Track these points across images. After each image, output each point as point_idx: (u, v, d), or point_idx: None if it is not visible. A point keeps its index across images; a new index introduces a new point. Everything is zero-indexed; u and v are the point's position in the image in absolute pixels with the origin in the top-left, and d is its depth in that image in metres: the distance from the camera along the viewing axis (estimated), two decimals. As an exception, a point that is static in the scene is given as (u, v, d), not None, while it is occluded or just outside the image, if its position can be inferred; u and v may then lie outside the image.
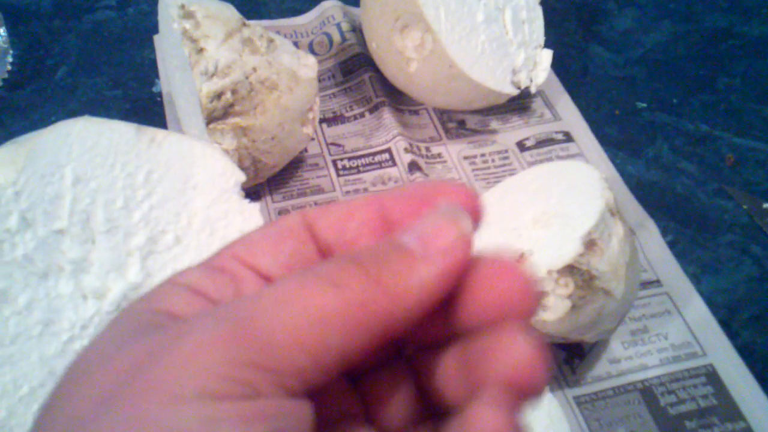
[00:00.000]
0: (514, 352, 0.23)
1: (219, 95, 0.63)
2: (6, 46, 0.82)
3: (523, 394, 0.23)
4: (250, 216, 0.53)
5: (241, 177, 0.54)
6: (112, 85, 0.81)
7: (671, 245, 0.68)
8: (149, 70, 0.82)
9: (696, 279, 0.66)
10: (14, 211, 0.46)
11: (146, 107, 0.79)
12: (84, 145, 0.48)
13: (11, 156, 0.46)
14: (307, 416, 0.22)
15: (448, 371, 0.25)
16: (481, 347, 0.24)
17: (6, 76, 0.80)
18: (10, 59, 0.82)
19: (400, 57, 0.73)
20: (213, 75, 0.63)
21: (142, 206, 0.50)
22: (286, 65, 0.67)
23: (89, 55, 0.84)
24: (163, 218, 0.50)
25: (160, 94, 0.80)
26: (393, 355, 0.27)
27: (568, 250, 0.53)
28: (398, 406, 0.26)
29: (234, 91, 0.63)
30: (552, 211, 0.58)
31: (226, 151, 0.64)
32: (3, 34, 0.82)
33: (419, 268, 0.23)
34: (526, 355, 0.23)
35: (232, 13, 0.66)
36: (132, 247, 0.49)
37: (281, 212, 0.69)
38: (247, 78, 0.64)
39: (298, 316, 0.21)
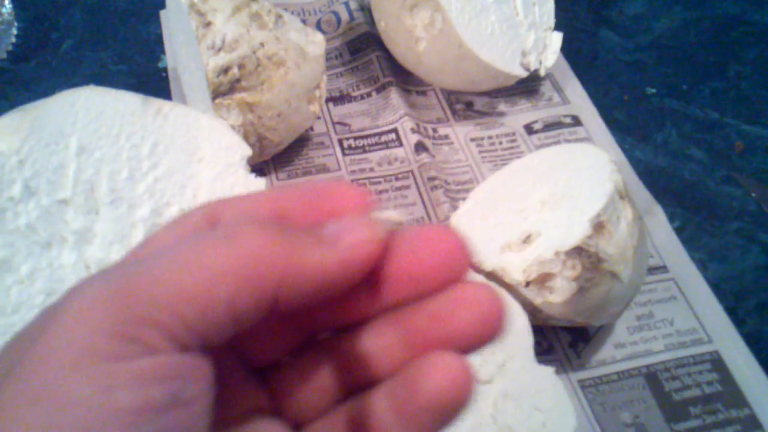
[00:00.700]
0: (467, 309, 0.24)
1: (226, 70, 0.62)
2: (11, 18, 0.81)
3: (478, 344, 0.24)
4: (257, 190, 0.53)
5: (248, 151, 0.53)
6: (117, 60, 0.80)
7: (678, 231, 0.68)
8: (155, 45, 0.82)
9: (703, 266, 0.66)
10: (18, 180, 0.45)
11: (151, 82, 0.78)
12: (89, 115, 0.48)
13: (15, 124, 0.46)
14: (207, 374, 0.21)
15: (381, 342, 0.25)
16: (430, 311, 0.24)
17: (11, 48, 0.80)
18: (14, 32, 0.81)
19: (409, 36, 0.73)
20: (220, 49, 0.63)
21: (147, 178, 0.49)
22: (293, 41, 0.66)
23: (95, 28, 0.83)
24: (168, 190, 0.50)
25: (165, 70, 0.79)
26: (302, 344, 0.26)
27: (576, 231, 0.52)
28: (310, 395, 0.26)
29: (241, 66, 0.63)
30: (560, 193, 0.57)
31: (232, 127, 0.63)
32: (8, 6, 0.81)
33: (322, 249, 0.23)
34: (481, 309, 0.24)
35: (240, -13, 0.65)
36: (136, 218, 0.48)
37: (286, 190, 0.69)
38: (254, 53, 0.63)
39: (184, 268, 0.21)
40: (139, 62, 0.80)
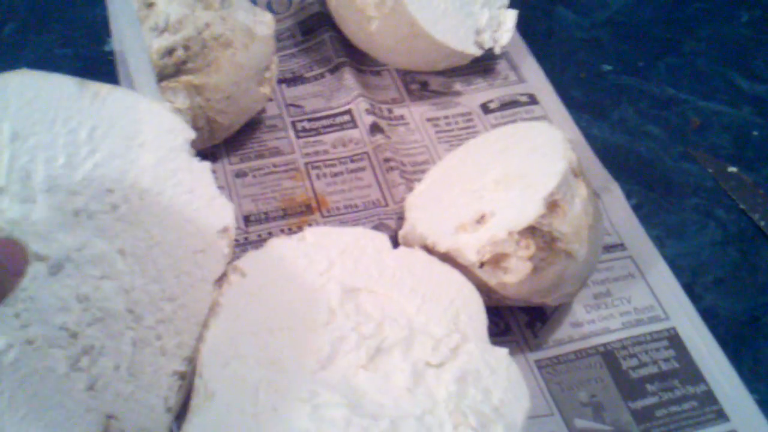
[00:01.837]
0: None
1: (170, 51, 0.61)
2: (-51, 1, 0.78)
3: None
4: (200, 175, 0.51)
5: (191, 134, 0.51)
6: (62, 44, 0.78)
7: (636, 209, 0.67)
8: (101, 28, 0.79)
9: (660, 242, 0.65)
10: (-53, 168, 0.43)
11: (98, 67, 0.76)
12: (22, 99, 0.46)
13: (-56, 110, 0.44)
14: None
15: None
16: None
17: (-50, 33, 0.77)
18: (-46, 16, 0.78)
19: (361, 15, 0.71)
20: (164, 30, 0.61)
21: (85, 164, 0.47)
22: (241, 21, 0.64)
23: (38, 11, 0.81)
24: (108, 177, 0.48)
25: (112, 53, 0.77)
26: None
27: (529, 211, 0.51)
28: None
29: (186, 48, 0.61)
30: (514, 173, 0.56)
31: (179, 111, 0.61)
32: (-54, -12, 0.78)
33: None
34: None
35: (184, -34, 0.63)
36: (75, 206, 0.46)
37: (239, 174, 0.67)
38: (199, 34, 0.62)
39: None
40: (85, 46, 0.78)
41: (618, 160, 0.72)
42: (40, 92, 0.47)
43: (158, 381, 0.46)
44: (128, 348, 0.46)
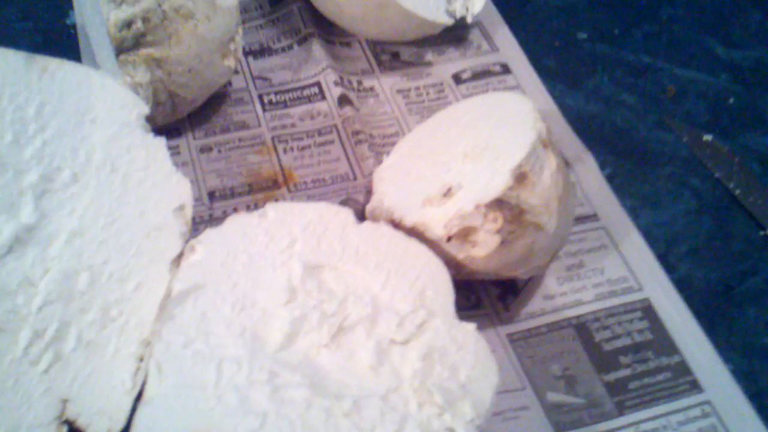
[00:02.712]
0: None
1: (129, 24, 0.59)
2: None
3: None
4: (156, 151, 0.49)
5: (145, 109, 0.50)
6: (21, 17, 0.75)
7: (609, 179, 0.66)
8: (62, 0, 0.77)
9: (634, 213, 0.64)
10: None
11: (59, 40, 0.74)
12: (-35, 75, 0.44)
13: None
14: None
15: None
16: None
17: None
18: None
19: (328, -16, 0.69)
20: (122, 2, 0.59)
21: (34, 141, 0.46)
22: (203, -8, 0.62)
23: (-3, -16, 0.78)
24: (59, 154, 0.46)
25: (74, 26, 0.75)
26: None
27: (496, 183, 0.50)
28: None
29: (145, 20, 0.59)
30: (483, 144, 0.55)
31: (140, 85, 0.60)
32: None
33: None
34: None
35: (141, -65, 0.61)
36: (24, 185, 0.45)
37: (203, 149, 0.65)
38: (159, 5, 0.60)
39: None
40: (46, 19, 0.76)
41: (592, 129, 0.71)
42: (-16, 67, 0.45)
43: (117, 363, 0.45)
44: (86, 328, 0.45)
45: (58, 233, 0.45)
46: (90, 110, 0.48)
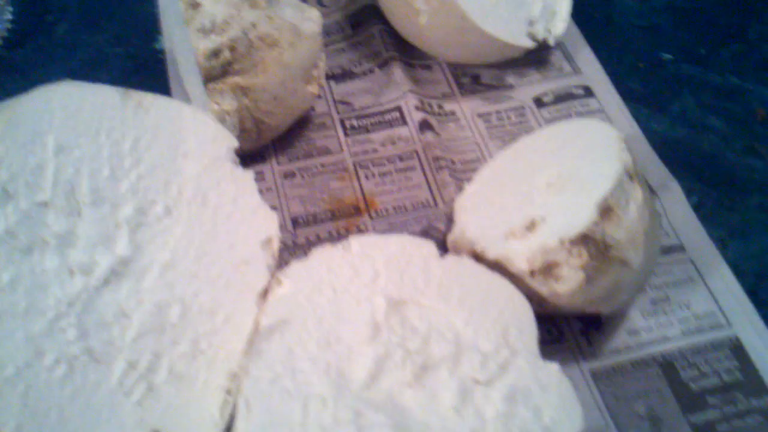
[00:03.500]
0: None
1: (216, 53, 0.60)
2: (3, 2, 0.79)
3: None
4: (244, 184, 0.51)
5: (234, 143, 0.51)
6: (113, 42, 0.78)
7: (696, 208, 0.65)
8: (152, 25, 0.79)
9: (722, 244, 0.63)
10: (-7, 184, 0.43)
11: (148, 65, 0.76)
12: (66, 112, 0.46)
13: (-11, 125, 0.44)
14: None
15: None
16: None
17: (5, 34, 0.78)
18: (9, 16, 0.79)
19: (409, 8, 0.70)
20: (210, 32, 0.60)
21: (129, 175, 0.47)
22: (287, 20, 0.63)
23: (90, 9, 0.81)
24: (152, 188, 0.48)
25: (162, 51, 0.77)
26: None
27: (581, 217, 0.49)
28: None
29: (232, 49, 0.60)
30: (567, 175, 0.54)
31: (227, 112, 0.61)
32: (0, -11, 0.79)
33: None
34: None
35: (230, -35, 0.62)
36: (120, 218, 0.46)
37: (287, 175, 0.66)
38: (246, 34, 0.61)
39: None
40: (136, 44, 0.78)
41: (678, 155, 0.69)
42: (84, 104, 0.46)
43: (206, 395, 0.46)
44: (177, 360, 0.46)
45: (152, 266, 0.47)
46: (182, 144, 0.49)
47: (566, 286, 0.51)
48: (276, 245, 0.51)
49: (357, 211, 0.64)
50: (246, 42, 0.61)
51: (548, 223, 0.52)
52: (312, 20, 0.66)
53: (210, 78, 0.60)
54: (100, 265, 0.45)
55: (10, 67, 0.75)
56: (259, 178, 0.66)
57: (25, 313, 0.43)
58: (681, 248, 0.62)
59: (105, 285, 0.45)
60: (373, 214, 0.64)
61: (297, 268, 0.50)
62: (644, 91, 0.75)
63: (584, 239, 0.49)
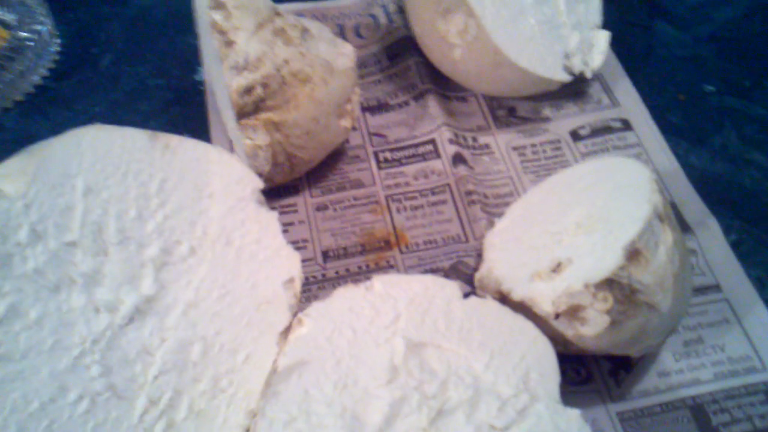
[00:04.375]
0: None
1: (249, 90, 0.61)
2: (50, 35, 0.81)
3: None
4: (268, 224, 0.51)
5: (259, 184, 0.51)
6: (155, 74, 0.80)
7: (735, 246, 0.63)
8: (192, 57, 0.81)
9: (760, 284, 0.61)
10: (24, 224, 0.45)
11: (188, 96, 0.77)
12: (95, 154, 0.47)
13: (21, 167, 0.45)
14: None
15: None
16: None
17: (53, 65, 0.80)
18: (57, 48, 0.81)
19: (444, 43, 0.70)
20: (243, 69, 0.61)
21: (155, 216, 0.48)
22: (321, 56, 0.64)
23: (134, 42, 0.83)
24: (178, 228, 0.49)
25: (202, 83, 0.78)
26: None
27: (607, 261, 0.49)
28: None
29: (265, 85, 0.61)
30: (596, 215, 0.54)
31: (259, 147, 0.62)
32: (49, 21, 0.81)
33: None
34: None
35: (264, 2, 0.63)
36: (145, 258, 0.48)
37: (319, 208, 0.67)
38: (278, 71, 0.62)
39: None
40: (177, 76, 0.80)
41: (717, 191, 0.68)
42: (113, 146, 0.48)
43: (225, 432, 0.47)
44: (197, 398, 0.47)
45: (175, 304, 0.48)
46: (208, 185, 0.50)
47: (591, 329, 0.50)
48: (298, 285, 0.51)
49: (387, 245, 0.64)
50: (278, 79, 0.62)
51: (575, 265, 0.51)
52: (346, 55, 0.66)
53: (243, 114, 0.61)
54: (125, 304, 0.46)
55: (55, 97, 0.78)
56: (292, 210, 0.67)
57: (51, 350, 0.45)
58: (717, 288, 0.61)
59: (129, 323, 0.46)
60: (404, 249, 0.64)
61: (318, 307, 0.50)
62: (684, 124, 0.74)
63: (610, 284, 0.49)
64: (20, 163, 0.46)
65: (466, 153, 0.70)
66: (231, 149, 0.69)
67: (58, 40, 0.82)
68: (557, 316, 0.50)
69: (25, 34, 0.78)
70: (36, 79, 0.78)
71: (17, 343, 0.44)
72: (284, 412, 0.45)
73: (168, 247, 0.48)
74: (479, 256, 0.62)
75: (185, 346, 0.47)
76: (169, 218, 0.48)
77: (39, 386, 0.44)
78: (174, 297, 0.48)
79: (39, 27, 0.79)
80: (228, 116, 0.67)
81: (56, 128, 0.49)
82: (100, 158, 0.47)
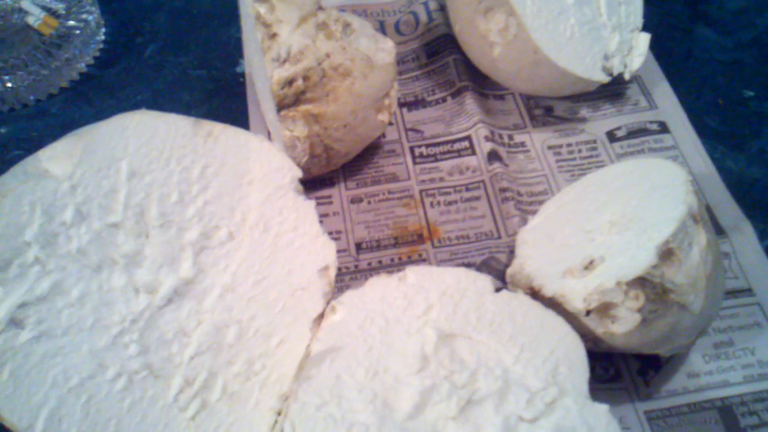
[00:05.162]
0: None
1: (290, 82, 0.62)
2: (99, 23, 0.83)
3: None
4: (305, 212, 0.52)
5: (298, 173, 0.52)
6: (197, 64, 0.81)
7: (768, 251, 0.63)
8: (234, 49, 0.82)
9: (793, 289, 0.61)
10: (70, 204, 0.46)
11: (229, 88, 0.79)
12: (140, 139, 0.48)
13: (68, 149, 0.47)
14: None
15: None
16: None
17: (98, 54, 0.82)
18: (102, 37, 0.83)
19: (484, 41, 0.70)
20: (285, 61, 0.62)
21: (196, 201, 0.49)
22: (362, 51, 0.65)
23: (178, 32, 0.85)
24: (217, 213, 0.50)
25: (243, 75, 0.80)
26: None
27: (640, 260, 0.49)
28: None
29: (306, 78, 0.62)
30: (630, 215, 0.54)
31: (298, 138, 0.63)
32: (96, 11, 0.83)
33: None
34: None
35: (308, -4, 0.64)
36: (185, 242, 0.49)
37: (354, 200, 0.68)
38: (319, 64, 0.63)
39: None
40: (218, 67, 0.81)
41: (753, 195, 0.67)
42: (157, 132, 0.49)
43: (257, 415, 0.48)
44: (231, 380, 0.48)
45: (213, 288, 0.49)
46: (248, 173, 0.51)
47: (622, 327, 0.50)
48: (333, 273, 0.52)
49: (420, 238, 0.65)
50: (319, 72, 0.63)
51: (607, 263, 0.52)
52: (386, 51, 0.67)
53: (283, 105, 0.62)
54: (164, 285, 0.48)
55: (100, 85, 0.79)
56: (327, 201, 0.68)
57: (91, 328, 0.46)
58: (749, 292, 0.61)
59: (167, 304, 0.48)
60: (436, 243, 0.65)
61: (352, 296, 0.51)
62: (722, 128, 0.74)
63: (642, 282, 0.49)
64: (67, 145, 0.47)
65: (501, 150, 0.71)
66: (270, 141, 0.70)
67: (104, 29, 0.84)
68: (588, 313, 0.51)
69: (72, 23, 0.80)
70: (82, 66, 0.80)
71: (59, 320, 0.45)
72: (316, 396, 0.45)
73: (207, 231, 0.49)
74: (511, 252, 0.63)
75: (221, 329, 0.48)
76: (210, 204, 0.50)
77: (79, 363, 0.45)
78: (211, 281, 0.49)
79: (86, 16, 0.81)
80: (268, 108, 0.68)
81: (100, 115, 0.50)
82: (145, 143, 0.48)
